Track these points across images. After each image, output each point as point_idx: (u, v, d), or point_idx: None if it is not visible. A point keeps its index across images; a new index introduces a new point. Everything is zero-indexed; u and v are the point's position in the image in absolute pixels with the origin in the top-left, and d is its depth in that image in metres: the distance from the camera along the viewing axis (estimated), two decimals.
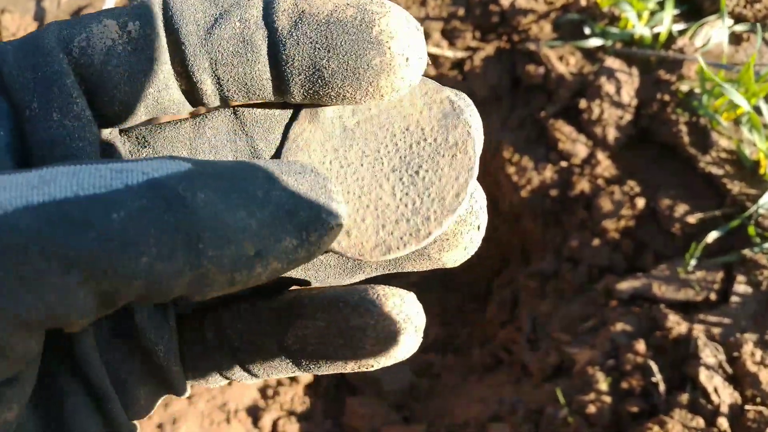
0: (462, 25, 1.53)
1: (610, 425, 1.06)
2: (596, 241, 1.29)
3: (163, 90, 0.30)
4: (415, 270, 0.33)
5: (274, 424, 1.27)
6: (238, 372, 0.33)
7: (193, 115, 0.34)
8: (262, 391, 1.32)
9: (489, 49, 1.50)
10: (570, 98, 1.40)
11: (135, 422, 0.32)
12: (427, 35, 1.53)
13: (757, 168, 1.24)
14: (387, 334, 0.30)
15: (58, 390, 0.29)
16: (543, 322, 1.31)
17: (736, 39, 1.40)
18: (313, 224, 0.26)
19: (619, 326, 1.15)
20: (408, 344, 0.30)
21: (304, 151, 0.32)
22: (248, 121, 0.33)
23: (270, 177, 0.26)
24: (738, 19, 1.41)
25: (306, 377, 1.35)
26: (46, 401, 0.28)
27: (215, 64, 0.30)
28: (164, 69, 0.29)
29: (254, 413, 1.28)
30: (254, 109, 0.33)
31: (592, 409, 1.07)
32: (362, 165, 0.31)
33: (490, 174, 1.47)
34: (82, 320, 0.23)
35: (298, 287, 0.34)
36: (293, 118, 0.33)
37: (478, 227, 0.31)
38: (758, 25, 1.33)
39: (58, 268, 0.21)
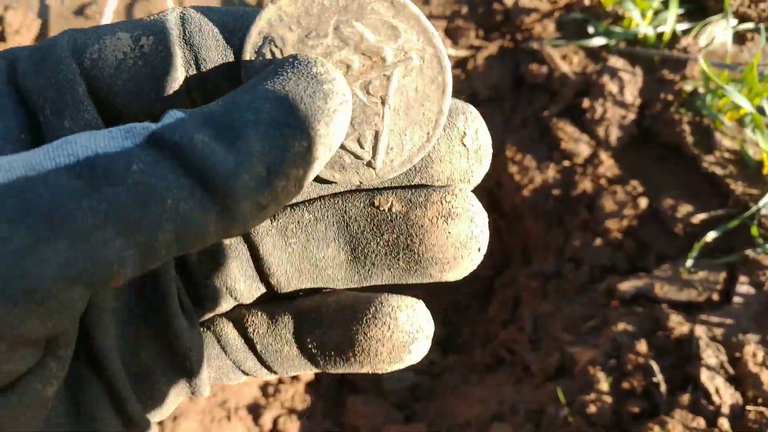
0: (465, 23, 1.53)
1: (611, 425, 1.06)
2: (598, 241, 1.29)
3: (175, 106, 0.30)
4: (418, 282, 0.34)
5: (275, 422, 1.27)
6: (258, 369, 0.35)
7: None
8: (263, 388, 1.32)
9: (492, 48, 1.50)
10: (573, 97, 1.39)
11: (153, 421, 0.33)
12: None
13: (760, 168, 1.24)
14: (401, 343, 0.32)
15: (78, 385, 0.29)
16: (545, 322, 1.30)
17: (740, 39, 1.40)
18: (315, 116, 0.26)
19: (621, 326, 1.15)
20: (419, 351, 0.33)
21: None
22: None
23: (254, 99, 0.26)
24: (742, 18, 1.40)
25: (307, 375, 1.35)
26: (67, 394, 0.29)
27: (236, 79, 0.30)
28: (175, 86, 0.30)
29: (255, 411, 1.28)
30: None
31: (593, 409, 1.06)
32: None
33: (493, 173, 1.46)
34: (126, 274, 0.23)
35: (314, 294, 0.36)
36: None
37: (479, 249, 0.33)
38: (762, 25, 1.33)
39: (96, 221, 0.22)
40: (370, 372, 0.33)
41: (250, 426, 1.26)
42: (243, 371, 0.36)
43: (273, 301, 0.35)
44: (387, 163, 0.32)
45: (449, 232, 0.32)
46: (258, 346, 0.35)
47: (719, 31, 1.39)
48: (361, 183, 0.33)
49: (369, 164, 0.32)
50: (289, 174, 0.25)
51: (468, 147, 0.32)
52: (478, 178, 0.33)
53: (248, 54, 0.30)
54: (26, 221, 0.21)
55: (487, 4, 1.52)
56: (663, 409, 1.03)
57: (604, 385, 1.09)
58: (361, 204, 0.33)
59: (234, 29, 0.30)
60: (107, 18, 1.62)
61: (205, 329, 0.35)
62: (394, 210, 0.33)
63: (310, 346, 0.34)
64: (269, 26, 0.30)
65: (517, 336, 1.34)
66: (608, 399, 1.07)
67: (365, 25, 0.30)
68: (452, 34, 1.54)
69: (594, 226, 1.31)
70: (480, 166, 0.33)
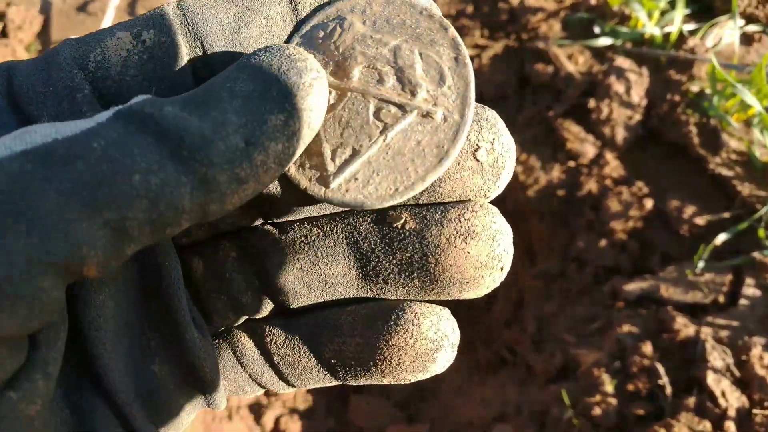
0: (470, 22, 1.52)
1: (616, 427, 1.05)
2: (603, 242, 1.28)
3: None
4: (435, 300, 0.32)
5: (276, 422, 1.27)
6: (275, 382, 0.34)
7: None
8: None
9: (497, 47, 1.49)
10: (578, 98, 1.39)
11: None
12: None
13: (767, 170, 1.23)
14: (425, 352, 0.30)
15: (81, 401, 0.28)
16: (548, 323, 1.30)
17: (747, 39, 1.39)
18: (291, 90, 0.25)
19: (626, 328, 1.14)
20: (444, 360, 0.31)
21: None
22: None
23: (228, 78, 0.26)
24: (749, 19, 1.40)
25: None
26: (70, 412, 0.27)
27: None
28: (184, 74, 0.29)
29: (256, 410, 1.27)
30: None
31: (597, 411, 1.06)
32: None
33: None
34: (98, 257, 0.22)
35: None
36: None
37: (501, 269, 0.30)
38: None
39: (57, 203, 0.21)
40: (392, 383, 0.32)
41: (252, 425, 1.25)
42: (259, 384, 0.34)
43: (287, 314, 0.34)
44: (341, 188, 0.30)
45: (468, 253, 0.29)
46: (275, 357, 0.33)
47: (726, 31, 1.38)
48: (304, 189, 0.30)
49: (324, 179, 0.30)
50: (268, 147, 0.24)
51: (482, 161, 0.30)
52: (496, 193, 0.31)
53: (308, 27, 0.30)
54: None
55: (492, 3, 1.51)
56: (668, 412, 1.03)
57: (608, 387, 1.08)
58: (372, 220, 0.31)
59: (241, 15, 0.29)
60: (110, 14, 1.61)
61: (219, 340, 0.34)
62: (407, 227, 0.30)
63: (328, 356, 0.32)
64: (349, 11, 0.30)
65: (521, 336, 1.34)
66: (613, 401, 1.06)
67: (422, 59, 0.30)
68: (458, 33, 1.54)
69: (599, 226, 1.30)
70: (497, 181, 0.30)
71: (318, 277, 0.31)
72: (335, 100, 0.30)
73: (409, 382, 0.31)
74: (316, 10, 0.31)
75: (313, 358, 0.32)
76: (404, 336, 0.30)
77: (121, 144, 0.23)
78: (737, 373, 1.04)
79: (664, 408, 1.04)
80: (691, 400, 1.02)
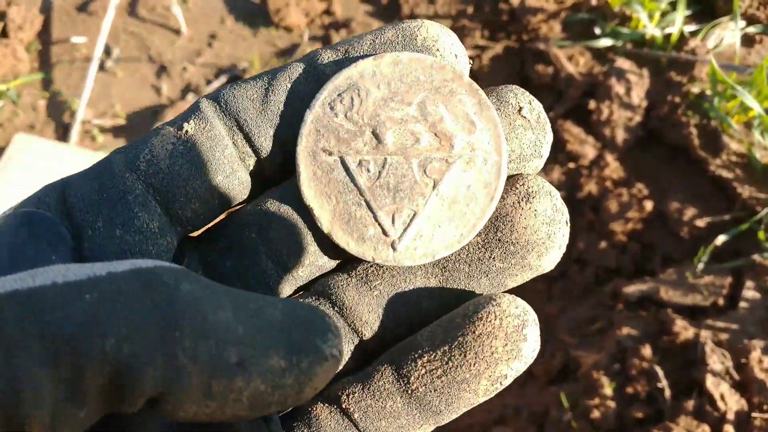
0: (471, 23, 1.52)
1: (615, 430, 1.05)
2: (603, 244, 1.28)
3: (231, 175, 0.31)
4: (518, 284, 0.33)
5: None
6: None
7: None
8: None
9: (498, 48, 1.49)
10: (579, 99, 1.38)
11: None
12: None
13: (767, 172, 1.22)
14: (514, 330, 0.30)
15: None
16: (549, 324, 1.30)
17: (748, 41, 1.39)
18: (306, 349, 0.24)
19: (626, 330, 1.14)
20: (533, 337, 0.30)
21: None
22: None
23: (266, 299, 0.25)
24: (750, 20, 1.39)
25: None
26: None
27: (278, 129, 0.31)
28: (227, 154, 0.31)
29: None
30: None
31: (596, 413, 1.06)
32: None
33: None
34: (44, 412, 0.20)
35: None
36: None
37: (566, 222, 0.32)
38: None
39: (13, 347, 0.19)
40: (491, 389, 0.30)
41: None
42: None
43: (362, 361, 0.32)
44: (410, 249, 0.31)
45: (536, 210, 0.31)
46: (356, 415, 0.30)
47: (728, 33, 1.37)
48: (373, 260, 0.31)
49: (392, 244, 0.31)
50: (252, 380, 0.23)
51: (528, 118, 0.32)
52: (547, 150, 0.32)
53: (317, 107, 0.31)
54: None
55: (493, 3, 1.51)
56: (667, 415, 1.02)
57: (608, 390, 1.08)
58: None
59: (266, 86, 0.31)
60: (110, 14, 1.61)
61: (296, 422, 0.31)
62: None
63: (415, 385, 0.30)
64: (359, 77, 0.31)
65: None
66: (612, 404, 1.06)
67: (448, 110, 0.31)
68: (458, 34, 1.53)
69: (599, 228, 1.30)
70: (546, 135, 0.32)
71: (401, 297, 0.32)
72: (378, 168, 0.31)
73: (506, 379, 0.30)
74: (321, 81, 0.32)
75: (399, 399, 0.30)
76: (489, 319, 0.29)
77: (112, 302, 0.21)
78: (737, 377, 1.04)
79: (664, 411, 1.04)
80: (691, 403, 1.01)
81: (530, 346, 0.30)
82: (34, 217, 0.28)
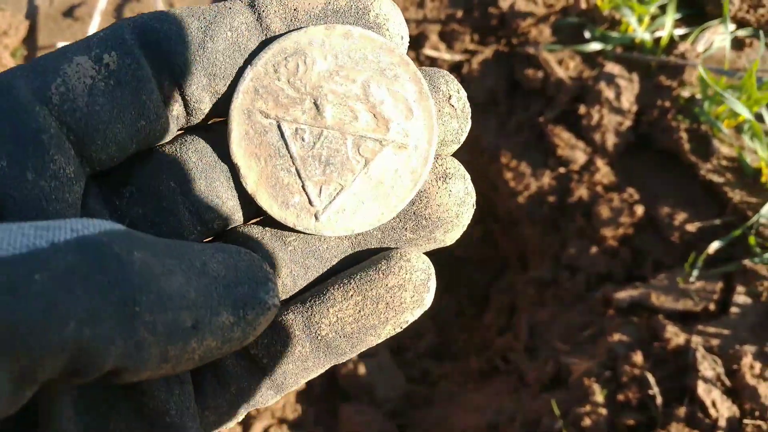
0: (460, 27, 1.51)
1: None
2: (594, 249, 1.27)
3: (155, 120, 0.29)
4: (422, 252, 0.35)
5: None
6: (263, 392, 0.32)
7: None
8: None
9: (487, 52, 1.48)
10: (569, 103, 1.38)
11: None
12: (425, 37, 1.51)
13: (758, 176, 1.22)
14: (421, 282, 0.32)
15: None
16: (541, 330, 1.29)
17: (738, 44, 1.38)
18: (252, 302, 0.25)
19: (617, 336, 1.13)
20: (433, 288, 0.33)
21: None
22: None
23: (207, 251, 0.25)
24: (740, 24, 1.39)
25: None
26: None
27: (213, 78, 0.29)
28: (153, 98, 0.28)
29: (244, 421, 1.26)
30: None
31: (588, 421, 1.05)
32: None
33: (488, 179, 1.45)
34: None
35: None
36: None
37: (473, 205, 0.34)
38: (761, 31, 1.31)
39: None
40: (392, 333, 0.33)
41: None
42: (245, 401, 0.32)
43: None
44: (331, 221, 0.32)
45: (450, 190, 0.33)
46: (265, 360, 0.32)
47: (717, 36, 1.37)
48: (293, 226, 0.32)
49: (315, 214, 0.32)
50: (204, 340, 0.24)
51: (456, 106, 0.33)
52: (464, 137, 0.34)
53: (260, 65, 0.30)
54: None
55: (482, 7, 1.50)
56: (659, 422, 1.02)
57: (599, 397, 1.07)
58: None
59: (205, 29, 0.29)
60: (96, 19, 1.59)
61: (201, 369, 0.32)
62: None
63: (326, 332, 0.32)
64: (308, 44, 0.31)
65: (514, 344, 1.33)
66: (603, 411, 1.06)
67: (390, 94, 0.32)
68: (447, 38, 1.52)
69: (590, 233, 1.29)
70: (467, 124, 0.34)
71: (314, 254, 0.33)
72: (313, 139, 0.32)
73: (406, 323, 0.33)
74: (269, 42, 0.31)
75: (307, 344, 0.32)
76: (401, 273, 0.32)
77: (67, 280, 0.20)
78: (728, 383, 1.03)
79: (655, 418, 1.03)
80: (682, 410, 1.01)
81: (430, 296, 0.33)
82: None
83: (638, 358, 1.08)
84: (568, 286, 1.29)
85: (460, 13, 1.52)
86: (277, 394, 0.33)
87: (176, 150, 0.31)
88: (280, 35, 0.31)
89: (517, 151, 1.40)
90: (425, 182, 0.33)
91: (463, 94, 0.34)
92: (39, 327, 0.19)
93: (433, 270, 0.33)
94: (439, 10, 1.54)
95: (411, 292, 0.32)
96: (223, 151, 0.32)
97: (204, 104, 0.30)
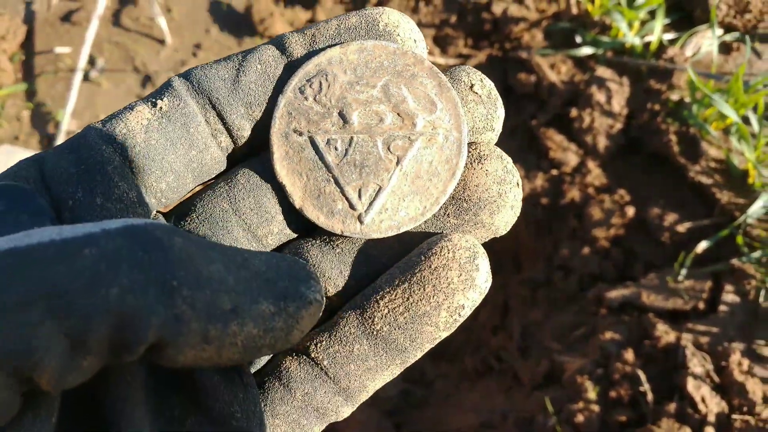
0: (454, 32, 1.53)
1: None
2: (586, 250, 1.30)
3: (204, 150, 0.33)
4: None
5: None
6: (331, 398, 0.32)
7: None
8: None
9: (481, 56, 1.51)
10: (561, 107, 1.40)
11: None
12: None
13: (745, 178, 1.25)
14: (467, 260, 0.31)
15: None
16: (534, 330, 1.31)
17: (725, 48, 1.41)
18: (292, 295, 0.27)
19: (609, 335, 1.16)
20: (485, 267, 0.32)
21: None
22: None
23: (250, 252, 0.27)
24: (728, 28, 1.42)
25: None
26: None
27: (250, 106, 0.33)
28: (200, 130, 0.33)
29: None
30: None
31: (580, 418, 1.07)
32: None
33: None
34: (52, 367, 0.21)
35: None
36: None
37: (517, 184, 0.33)
38: (747, 35, 1.34)
39: (21, 303, 0.21)
40: (450, 322, 0.32)
41: None
42: (315, 409, 0.32)
43: (328, 317, 0.34)
44: (376, 222, 0.33)
45: (486, 170, 0.33)
46: (325, 362, 0.32)
47: (705, 41, 1.40)
48: (341, 233, 0.33)
49: (359, 217, 0.33)
50: (246, 325, 0.25)
51: (479, 93, 0.34)
52: (499, 125, 0.34)
53: (289, 92, 0.33)
54: None
55: (476, 12, 1.53)
56: (650, 419, 1.04)
57: (591, 394, 1.09)
58: None
59: (238, 67, 0.33)
60: (94, 24, 1.61)
61: (267, 377, 0.33)
62: None
63: (380, 324, 0.31)
64: (327, 63, 0.33)
65: (507, 343, 1.35)
66: (596, 408, 1.08)
67: (410, 92, 0.33)
68: (441, 43, 1.55)
69: (582, 234, 1.32)
70: (497, 110, 0.34)
71: (361, 252, 0.33)
72: (345, 146, 0.33)
73: (463, 309, 0.32)
74: (294, 66, 0.34)
75: (365, 341, 0.32)
76: (442, 253, 0.31)
77: (113, 258, 0.22)
78: (717, 379, 1.06)
79: (646, 414, 1.05)
80: (672, 407, 1.03)
81: (482, 276, 0.32)
82: (11, 189, 0.29)
83: (629, 355, 1.11)
84: (560, 286, 1.31)
85: (453, 18, 1.55)
86: (347, 402, 0.33)
87: (229, 176, 0.34)
88: (303, 60, 0.34)
89: (511, 154, 1.42)
90: (464, 166, 0.33)
91: (488, 82, 0.34)
92: (86, 292, 0.21)
93: (480, 249, 0.32)
94: (433, 15, 1.56)
95: (457, 271, 0.31)
96: (265, 173, 0.34)
97: (245, 130, 0.33)
